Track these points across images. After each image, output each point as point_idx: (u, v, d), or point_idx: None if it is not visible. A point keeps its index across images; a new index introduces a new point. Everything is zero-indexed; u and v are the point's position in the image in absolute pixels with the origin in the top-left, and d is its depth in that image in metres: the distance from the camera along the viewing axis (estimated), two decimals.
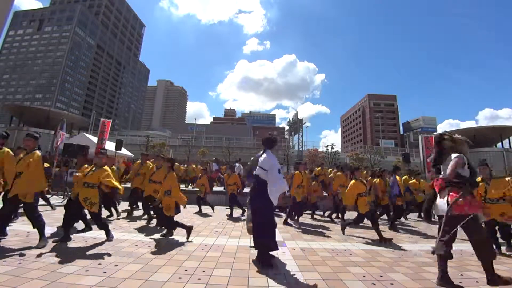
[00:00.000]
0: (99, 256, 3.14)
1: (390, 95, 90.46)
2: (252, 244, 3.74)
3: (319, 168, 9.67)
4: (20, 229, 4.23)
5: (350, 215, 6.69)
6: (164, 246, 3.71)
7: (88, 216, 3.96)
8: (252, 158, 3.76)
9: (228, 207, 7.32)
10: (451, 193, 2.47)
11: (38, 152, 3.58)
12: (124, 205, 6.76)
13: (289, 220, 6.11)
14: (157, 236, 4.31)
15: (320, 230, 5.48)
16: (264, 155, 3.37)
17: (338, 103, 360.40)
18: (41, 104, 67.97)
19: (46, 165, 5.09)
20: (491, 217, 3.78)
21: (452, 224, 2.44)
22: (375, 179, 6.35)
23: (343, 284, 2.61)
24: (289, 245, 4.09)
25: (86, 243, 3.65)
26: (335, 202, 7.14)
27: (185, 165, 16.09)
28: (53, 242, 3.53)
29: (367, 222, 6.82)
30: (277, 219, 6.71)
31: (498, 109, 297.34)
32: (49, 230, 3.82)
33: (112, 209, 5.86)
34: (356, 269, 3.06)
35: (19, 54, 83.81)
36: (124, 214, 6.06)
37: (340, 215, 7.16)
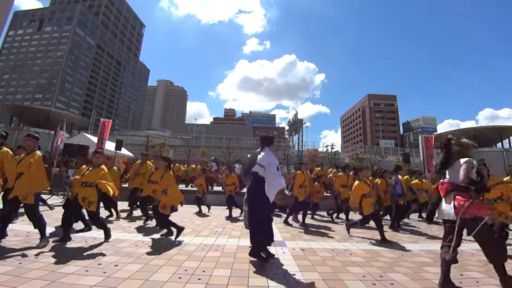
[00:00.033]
0: (99, 256, 3.13)
1: (390, 95, 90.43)
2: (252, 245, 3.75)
3: (319, 168, 9.68)
4: (20, 229, 4.23)
5: (353, 215, 6.70)
6: (164, 246, 3.72)
7: (87, 217, 3.95)
8: (249, 155, 3.77)
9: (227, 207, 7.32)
10: (457, 197, 2.44)
11: (38, 153, 3.58)
12: (124, 205, 6.77)
13: (289, 220, 6.10)
14: (157, 236, 4.31)
15: (320, 230, 5.47)
16: (262, 153, 3.42)
17: (338, 103, 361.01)
18: (41, 104, 67.99)
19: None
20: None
21: (465, 227, 2.42)
22: (377, 179, 6.34)
23: (343, 284, 2.61)
24: (289, 245, 4.09)
25: (86, 243, 3.65)
26: (337, 202, 7.14)
27: (185, 165, 16.08)
28: (53, 242, 3.53)
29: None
30: (277, 219, 6.74)
31: (498, 109, 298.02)
32: (47, 230, 3.81)
33: (112, 210, 5.85)
34: (356, 269, 3.06)
35: (19, 54, 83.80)
36: (124, 214, 6.06)
37: (339, 215, 7.16)
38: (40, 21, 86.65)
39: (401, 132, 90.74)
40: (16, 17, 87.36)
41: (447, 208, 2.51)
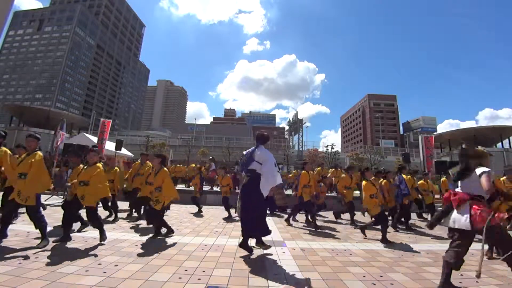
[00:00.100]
0: (99, 256, 3.13)
1: (390, 95, 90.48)
2: (255, 245, 3.76)
3: (319, 168, 9.69)
4: (20, 229, 4.24)
5: (359, 217, 6.70)
6: (164, 246, 3.72)
7: (86, 215, 3.90)
8: (244, 152, 3.83)
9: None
10: (474, 206, 2.41)
11: (40, 153, 3.59)
12: (124, 205, 6.77)
13: (290, 220, 6.08)
14: (157, 236, 4.31)
15: (320, 230, 5.47)
16: (258, 151, 3.55)
17: (338, 103, 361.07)
18: (41, 104, 68.00)
19: None
20: None
21: (488, 236, 2.41)
22: (381, 180, 6.30)
23: (343, 284, 2.61)
24: (289, 245, 4.09)
25: (86, 243, 3.65)
26: (341, 203, 7.10)
27: (185, 166, 16.09)
28: (53, 242, 3.53)
29: (363, 221, 6.84)
30: (277, 219, 6.75)
31: (498, 109, 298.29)
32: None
33: (112, 210, 5.85)
34: (356, 269, 3.06)
35: (19, 54, 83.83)
36: (124, 214, 6.07)
37: (340, 216, 7.15)
38: (40, 21, 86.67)
39: (401, 132, 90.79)
40: (16, 17, 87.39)
41: (458, 217, 2.47)
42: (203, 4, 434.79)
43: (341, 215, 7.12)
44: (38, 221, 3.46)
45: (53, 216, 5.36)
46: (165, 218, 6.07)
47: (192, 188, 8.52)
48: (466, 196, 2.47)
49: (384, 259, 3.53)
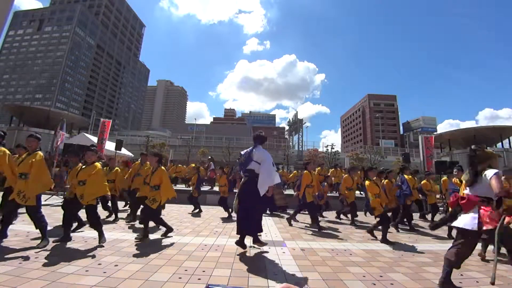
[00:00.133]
0: (99, 256, 3.14)
1: (390, 95, 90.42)
2: (252, 244, 3.79)
3: (319, 168, 9.68)
4: (20, 229, 4.24)
5: (362, 217, 6.71)
6: (164, 246, 3.72)
7: (85, 214, 3.85)
8: (242, 152, 3.88)
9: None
10: (482, 207, 2.41)
11: (40, 153, 3.59)
12: (122, 205, 6.77)
13: (292, 221, 6.05)
14: (156, 236, 4.31)
15: (323, 231, 5.46)
16: (256, 151, 3.63)
17: (338, 103, 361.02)
18: (41, 104, 68.02)
19: None
20: None
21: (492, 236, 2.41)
22: (383, 180, 6.29)
23: (343, 284, 2.61)
24: (289, 245, 4.09)
25: (86, 243, 3.65)
26: (343, 204, 7.05)
27: (185, 166, 16.09)
28: (53, 242, 3.54)
29: (367, 221, 6.85)
30: (277, 219, 6.75)
31: (498, 109, 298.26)
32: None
33: (112, 211, 5.84)
34: (356, 269, 3.06)
35: (19, 54, 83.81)
36: (124, 214, 6.07)
37: (341, 216, 7.15)
38: (40, 21, 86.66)
39: (401, 132, 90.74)
40: (16, 17, 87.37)
41: (465, 216, 2.46)
42: (203, 4, 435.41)
43: (341, 215, 7.12)
44: (38, 221, 3.46)
45: (53, 216, 5.36)
46: (165, 218, 6.09)
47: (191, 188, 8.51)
48: (475, 198, 2.46)
49: (384, 259, 3.53)
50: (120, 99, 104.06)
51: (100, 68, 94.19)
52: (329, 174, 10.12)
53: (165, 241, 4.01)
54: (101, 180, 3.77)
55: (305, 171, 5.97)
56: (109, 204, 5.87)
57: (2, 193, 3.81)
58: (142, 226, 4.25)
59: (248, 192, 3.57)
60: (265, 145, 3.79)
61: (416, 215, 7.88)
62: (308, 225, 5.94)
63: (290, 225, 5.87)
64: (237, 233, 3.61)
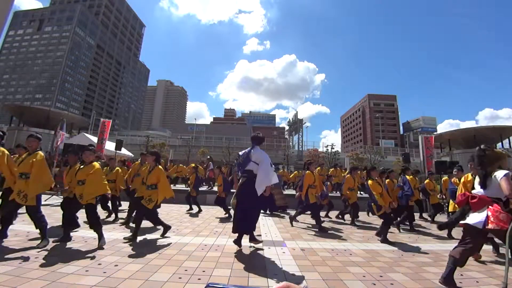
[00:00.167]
0: (99, 256, 3.14)
1: (390, 95, 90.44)
2: (252, 244, 3.80)
3: (319, 168, 9.69)
4: (20, 229, 4.24)
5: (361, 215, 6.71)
6: (164, 246, 3.72)
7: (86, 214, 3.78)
8: (240, 153, 3.93)
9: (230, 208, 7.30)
10: (490, 207, 2.38)
11: (41, 153, 3.59)
12: (124, 205, 6.77)
13: (293, 222, 6.01)
14: (155, 236, 4.32)
15: (319, 233, 5.46)
16: (254, 152, 3.70)
17: (338, 103, 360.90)
18: (41, 104, 68.02)
19: None
20: None
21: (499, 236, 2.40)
22: (385, 180, 6.28)
23: (343, 284, 2.61)
24: (289, 245, 4.09)
25: (86, 243, 3.65)
26: (345, 204, 7.03)
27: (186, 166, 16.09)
28: (53, 242, 3.54)
29: (369, 222, 6.85)
30: (277, 219, 6.74)
31: (498, 109, 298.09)
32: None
33: (112, 211, 5.84)
34: (356, 269, 3.06)
35: (19, 54, 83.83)
36: (124, 214, 6.06)
37: (344, 216, 7.12)
38: (40, 21, 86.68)
39: (401, 132, 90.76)
40: (16, 17, 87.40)
41: (473, 215, 2.46)
42: (203, 4, 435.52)
43: (344, 216, 7.06)
44: (38, 221, 3.46)
45: (53, 216, 5.36)
46: (165, 218, 6.09)
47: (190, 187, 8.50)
48: (486, 198, 2.44)
49: (384, 259, 3.53)
50: (120, 99, 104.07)
51: (100, 68, 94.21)
52: (328, 174, 10.13)
53: (165, 241, 4.01)
54: (100, 179, 3.74)
55: (307, 171, 5.86)
56: (109, 204, 5.88)
57: (0, 193, 3.81)
58: (143, 226, 4.25)
59: (246, 193, 3.62)
60: (263, 146, 3.83)
61: (416, 215, 7.89)
62: (310, 226, 5.93)
63: (292, 225, 5.85)
64: (233, 232, 3.70)
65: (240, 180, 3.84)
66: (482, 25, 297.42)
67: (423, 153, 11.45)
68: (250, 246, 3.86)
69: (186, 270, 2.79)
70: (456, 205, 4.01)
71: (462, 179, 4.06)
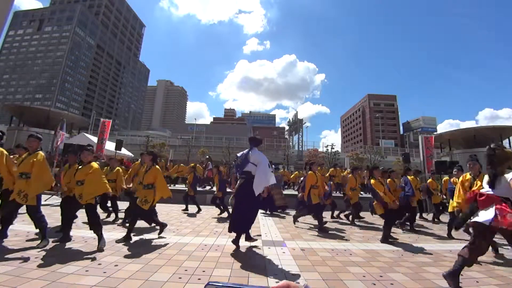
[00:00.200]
0: (99, 256, 3.14)
1: (390, 95, 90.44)
2: (252, 244, 3.80)
3: (319, 168, 9.68)
4: (20, 229, 4.24)
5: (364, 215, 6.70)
6: (164, 246, 3.72)
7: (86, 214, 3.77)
8: (238, 155, 3.99)
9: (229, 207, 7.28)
10: (497, 206, 2.37)
11: (41, 153, 3.59)
12: (123, 206, 6.77)
13: (296, 223, 5.99)
14: (154, 236, 4.32)
15: (320, 232, 5.46)
16: (252, 153, 3.78)
17: (338, 103, 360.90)
18: (41, 104, 68.03)
19: None
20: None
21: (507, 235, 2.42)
22: (387, 180, 6.26)
23: (343, 284, 2.61)
24: (289, 245, 4.09)
25: (86, 243, 3.65)
26: (348, 204, 7.01)
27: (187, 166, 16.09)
28: (53, 242, 3.54)
29: (372, 222, 6.84)
30: (277, 219, 6.75)
31: (498, 109, 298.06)
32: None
33: (112, 211, 5.85)
34: (356, 269, 3.06)
35: (19, 54, 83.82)
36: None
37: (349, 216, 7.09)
38: (40, 21, 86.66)
39: (401, 132, 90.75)
40: (16, 17, 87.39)
41: (483, 213, 2.45)
42: (203, 4, 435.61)
43: (349, 217, 6.98)
44: (38, 221, 3.46)
45: (53, 216, 5.36)
46: (165, 218, 6.09)
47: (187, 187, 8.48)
48: (493, 197, 2.45)
49: (384, 259, 3.53)
50: (120, 99, 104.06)
51: (100, 68, 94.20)
52: (327, 174, 10.13)
53: (165, 241, 4.01)
54: (99, 178, 3.71)
55: (310, 171, 5.80)
56: (108, 204, 5.88)
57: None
58: (143, 226, 4.25)
59: (244, 194, 3.68)
60: (263, 146, 3.87)
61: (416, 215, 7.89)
62: (312, 226, 5.93)
63: (295, 224, 5.83)
64: (229, 231, 3.79)
65: (239, 181, 3.90)
66: (482, 25, 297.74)
67: (423, 153, 11.44)
68: (250, 246, 3.87)
69: (186, 270, 2.79)
70: (453, 206, 4.01)
71: (460, 179, 4.04)
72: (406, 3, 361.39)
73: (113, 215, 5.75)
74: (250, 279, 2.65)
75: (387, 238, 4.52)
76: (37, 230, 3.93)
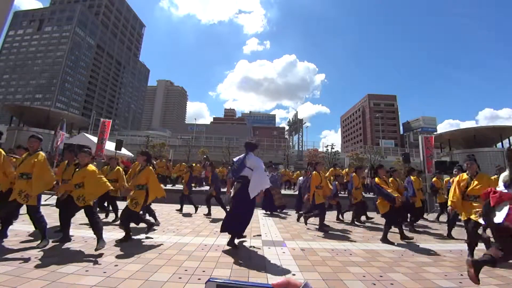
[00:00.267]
0: (99, 256, 3.14)
1: (390, 95, 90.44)
2: (252, 244, 3.81)
3: None
4: (20, 229, 4.24)
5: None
6: (164, 246, 3.72)
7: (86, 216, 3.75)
8: (235, 159, 4.08)
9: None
10: (511, 205, 2.38)
11: (42, 153, 3.60)
12: (122, 206, 6.77)
13: (294, 222, 5.98)
14: (155, 236, 4.32)
15: (320, 230, 5.46)
16: (248, 158, 3.88)
17: (338, 103, 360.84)
18: (41, 104, 68.05)
19: None
20: (468, 215, 3.52)
21: None
22: (390, 178, 6.24)
23: (343, 284, 2.61)
24: (289, 245, 4.09)
25: (86, 243, 3.65)
26: (351, 204, 7.00)
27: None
28: (52, 242, 3.54)
29: (379, 222, 6.83)
30: (277, 219, 6.75)
31: (498, 109, 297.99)
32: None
33: (112, 211, 5.84)
34: (356, 269, 3.06)
35: (19, 54, 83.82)
36: None
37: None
38: (40, 21, 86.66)
39: (401, 132, 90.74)
40: (16, 17, 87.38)
41: (498, 212, 2.43)
42: (203, 4, 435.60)
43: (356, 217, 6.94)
44: (38, 221, 3.46)
45: (53, 216, 5.34)
46: (165, 218, 6.10)
47: (195, 188, 8.50)
48: (506, 194, 2.45)
49: (384, 259, 3.53)
50: (120, 99, 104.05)
51: (100, 68, 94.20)
52: (327, 174, 10.11)
53: (165, 241, 4.01)
54: (98, 178, 3.67)
55: (314, 172, 5.77)
56: (106, 204, 5.89)
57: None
58: (142, 226, 4.25)
59: (242, 198, 3.75)
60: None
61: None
62: (313, 226, 5.93)
63: (306, 224, 5.80)
64: (221, 231, 3.89)
65: (236, 185, 3.97)
66: (482, 25, 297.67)
67: (423, 153, 11.43)
68: (251, 247, 3.87)
69: (186, 270, 2.79)
70: (448, 205, 4.02)
71: (457, 178, 3.98)
72: (406, 3, 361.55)
73: (112, 215, 5.74)
74: (250, 279, 2.66)
75: (387, 238, 4.52)
76: (31, 231, 3.95)
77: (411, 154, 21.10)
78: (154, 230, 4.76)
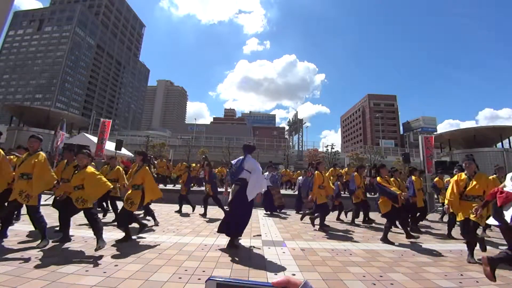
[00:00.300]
0: (99, 256, 3.14)
1: (390, 95, 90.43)
2: (252, 244, 3.82)
3: None
4: (20, 229, 4.24)
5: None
6: (164, 246, 3.72)
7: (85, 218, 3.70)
8: (233, 162, 4.14)
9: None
10: None
11: (42, 153, 3.60)
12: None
13: (295, 223, 5.97)
14: (155, 236, 4.32)
15: (320, 230, 5.46)
16: (246, 161, 3.94)
17: (338, 103, 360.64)
18: (41, 104, 68.06)
19: None
20: (465, 215, 3.51)
21: None
22: (391, 178, 6.23)
23: (343, 284, 2.61)
24: (289, 245, 4.09)
25: (86, 243, 3.65)
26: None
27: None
28: (52, 242, 3.54)
29: (380, 222, 6.82)
30: (277, 219, 6.75)
31: (498, 109, 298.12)
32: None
33: (106, 210, 5.86)
34: (356, 269, 3.06)
35: (19, 54, 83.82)
36: None
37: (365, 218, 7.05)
38: (40, 21, 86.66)
39: (401, 132, 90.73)
40: (16, 17, 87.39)
41: (507, 212, 2.47)
42: (203, 4, 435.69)
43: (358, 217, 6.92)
44: (38, 222, 3.46)
45: (53, 216, 5.34)
46: (165, 218, 6.10)
47: (194, 188, 8.49)
48: None
49: (384, 259, 3.53)
50: (120, 99, 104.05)
51: (100, 68, 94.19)
52: (327, 174, 10.12)
53: (165, 241, 4.01)
54: (97, 179, 3.64)
55: (316, 171, 5.74)
56: (104, 204, 5.89)
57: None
58: (130, 224, 4.20)
59: (240, 201, 3.78)
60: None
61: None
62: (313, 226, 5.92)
63: (313, 226, 5.71)
64: (218, 231, 3.93)
65: (234, 187, 3.99)
66: (482, 25, 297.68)
67: (423, 153, 11.42)
68: (250, 246, 3.87)
69: (186, 270, 2.79)
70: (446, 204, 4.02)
71: (455, 178, 3.96)
72: (406, 3, 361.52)
73: (113, 215, 5.73)
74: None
75: (387, 238, 4.52)
76: (29, 232, 3.94)
77: (411, 154, 21.08)
78: (153, 230, 4.77)
